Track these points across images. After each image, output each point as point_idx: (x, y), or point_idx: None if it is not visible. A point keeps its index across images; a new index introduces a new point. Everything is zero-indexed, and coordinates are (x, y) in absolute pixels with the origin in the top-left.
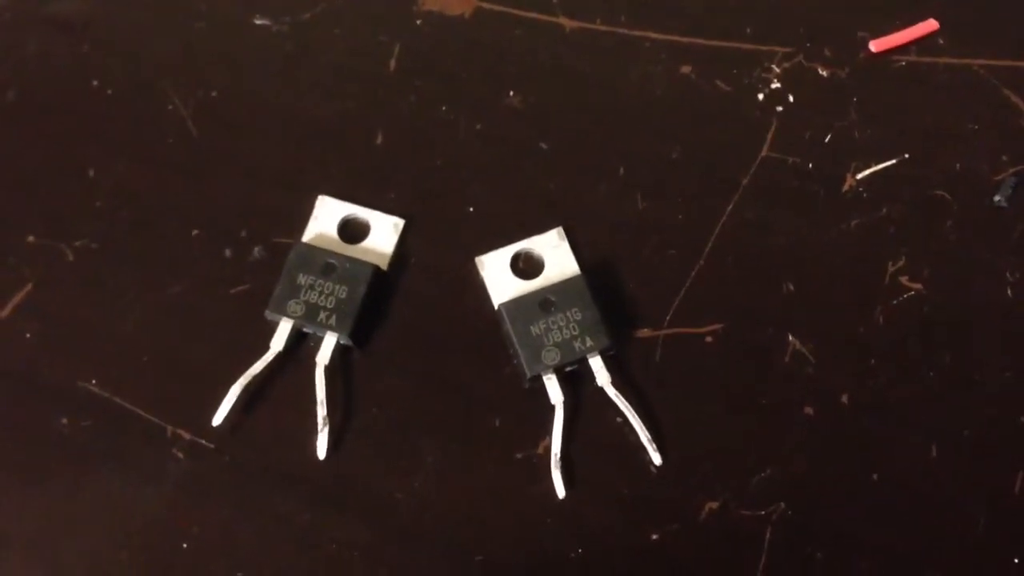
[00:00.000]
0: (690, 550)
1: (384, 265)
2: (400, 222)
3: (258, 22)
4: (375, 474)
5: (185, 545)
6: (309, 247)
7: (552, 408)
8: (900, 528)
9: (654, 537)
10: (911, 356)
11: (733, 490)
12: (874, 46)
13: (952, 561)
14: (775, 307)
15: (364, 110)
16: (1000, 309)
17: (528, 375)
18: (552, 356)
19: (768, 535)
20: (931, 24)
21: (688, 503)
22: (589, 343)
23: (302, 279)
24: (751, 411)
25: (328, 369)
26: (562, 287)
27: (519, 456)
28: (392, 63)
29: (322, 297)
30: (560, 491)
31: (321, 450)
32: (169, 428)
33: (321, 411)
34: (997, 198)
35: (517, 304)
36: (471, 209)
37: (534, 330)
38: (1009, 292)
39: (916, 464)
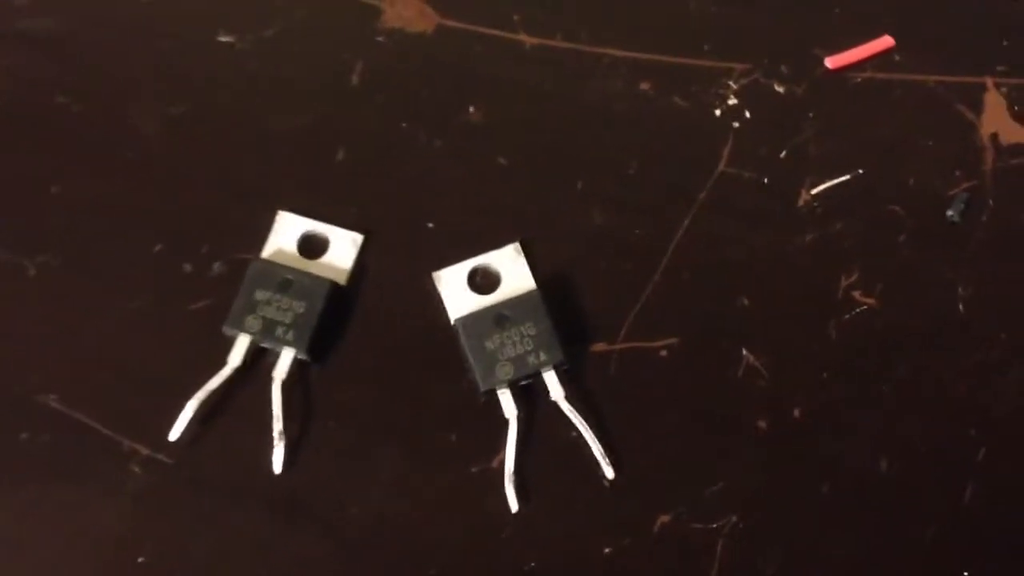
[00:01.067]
0: (643, 563)
1: (343, 280)
2: (359, 237)
3: (222, 39)
4: (331, 488)
5: (141, 559)
6: (267, 263)
7: (507, 422)
8: (851, 541)
9: (607, 550)
10: (863, 370)
11: (686, 503)
12: (830, 63)
13: (900, 571)
14: (730, 321)
15: (326, 126)
16: (952, 324)
17: (482, 389)
18: (506, 371)
19: (720, 548)
20: (887, 41)
21: (641, 516)
22: (543, 357)
23: (260, 294)
24: (704, 425)
25: (285, 384)
26: (517, 302)
27: (474, 470)
28: (354, 79)
29: (280, 312)
30: (514, 505)
31: (277, 464)
32: (127, 443)
33: (277, 425)
34: (950, 213)
35: (472, 319)
36: (430, 224)
37: (489, 345)
38: (961, 307)
39: (867, 477)
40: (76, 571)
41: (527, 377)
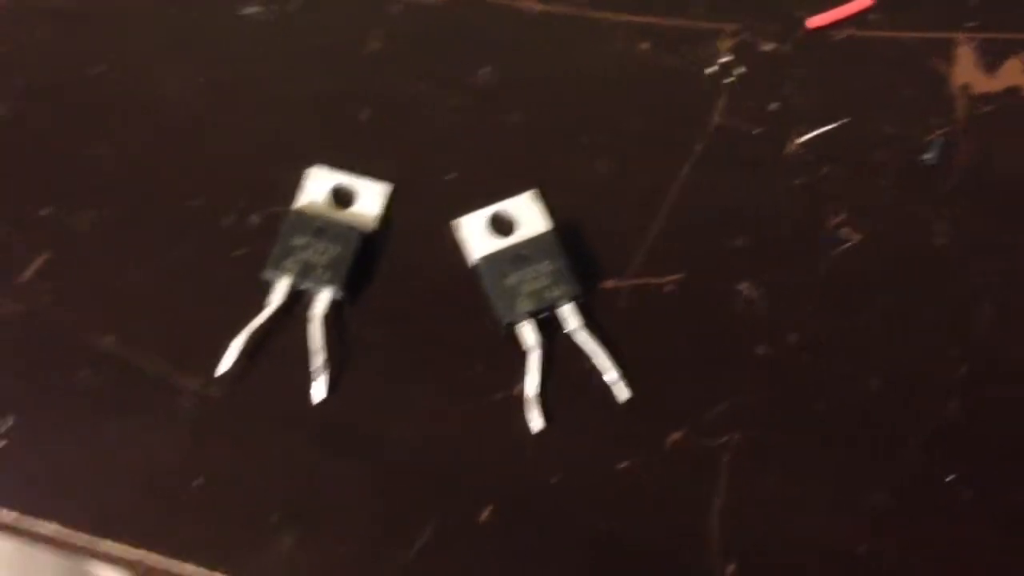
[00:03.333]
0: (656, 476)
1: (372, 227)
2: (387, 188)
3: (247, 11)
4: (369, 417)
5: (196, 482)
6: (302, 212)
7: (525, 353)
8: (845, 452)
9: (622, 465)
10: (851, 299)
11: (693, 422)
12: (809, 23)
13: (891, 478)
14: (728, 258)
15: (350, 89)
16: (929, 255)
17: (504, 322)
18: (526, 304)
19: (726, 461)
20: (865, 1)
21: (653, 434)
22: (560, 291)
23: (297, 240)
24: (708, 351)
25: (322, 321)
26: (533, 243)
27: (498, 396)
28: (374, 45)
29: (316, 255)
30: (536, 425)
31: (318, 394)
32: (178, 379)
33: (318, 358)
34: (927, 156)
35: (492, 259)
36: (451, 176)
37: (508, 282)
38: (937, 240)
39: (857, 394)
40: (136, 494)
41: (545, 310)
